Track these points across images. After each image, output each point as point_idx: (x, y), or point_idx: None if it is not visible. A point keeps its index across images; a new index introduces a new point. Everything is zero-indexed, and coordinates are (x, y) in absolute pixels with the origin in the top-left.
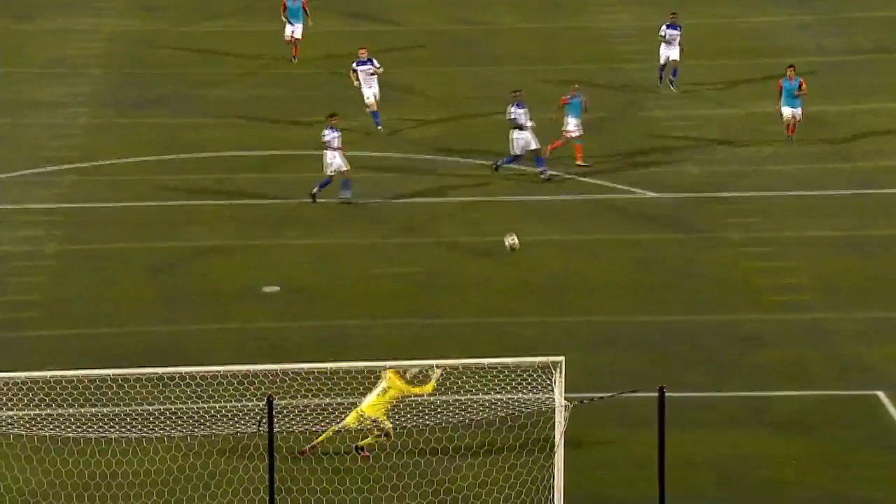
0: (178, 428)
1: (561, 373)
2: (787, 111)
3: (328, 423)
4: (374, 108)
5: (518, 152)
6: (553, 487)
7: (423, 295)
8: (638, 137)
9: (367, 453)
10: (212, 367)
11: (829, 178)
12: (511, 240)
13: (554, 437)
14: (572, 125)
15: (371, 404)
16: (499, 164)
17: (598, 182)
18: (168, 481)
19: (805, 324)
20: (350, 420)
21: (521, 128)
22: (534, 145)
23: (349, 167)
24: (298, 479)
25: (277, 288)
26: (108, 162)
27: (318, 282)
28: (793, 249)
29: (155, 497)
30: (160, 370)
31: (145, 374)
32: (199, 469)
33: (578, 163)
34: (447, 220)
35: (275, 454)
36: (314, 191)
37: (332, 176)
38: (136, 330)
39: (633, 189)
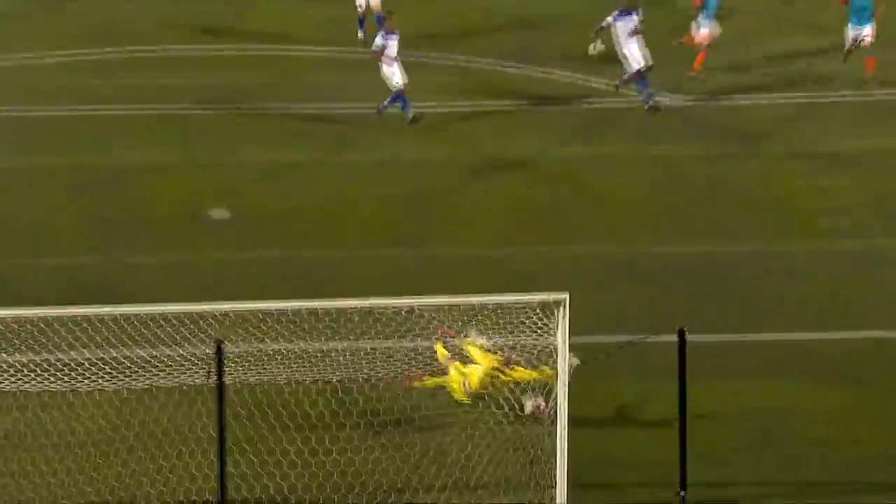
0: (111, 379)
1: (564, 313)
2: (852, 33)
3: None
4: (378, 9)
5: (640, 64)
6: (555, 450)
7: (404, 221)
8: (660, 27)
9: (411, 382)
10: (150, 307)
11: (892, 76)
12: (534, 401)
13: (555, 391)
14: (706, 29)
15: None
16: (622, 81)
17: (611, 84)
18: (99, 442)
19: (859, 253)
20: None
21: (630, 36)
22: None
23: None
24: (254, 439)
25: (227, 213)
26: (19, 57)
27: (277, 205)
28: (847, 163)
29: (83, 460)
30: (88, 310)
31: (70, 314)
32: (137, 427)
33: (694, 73)
34: (429, 131)
35: (226, 409)
36: (382, 105)
37: (402, 88)
38: (59, 263)
39: (654, 93)
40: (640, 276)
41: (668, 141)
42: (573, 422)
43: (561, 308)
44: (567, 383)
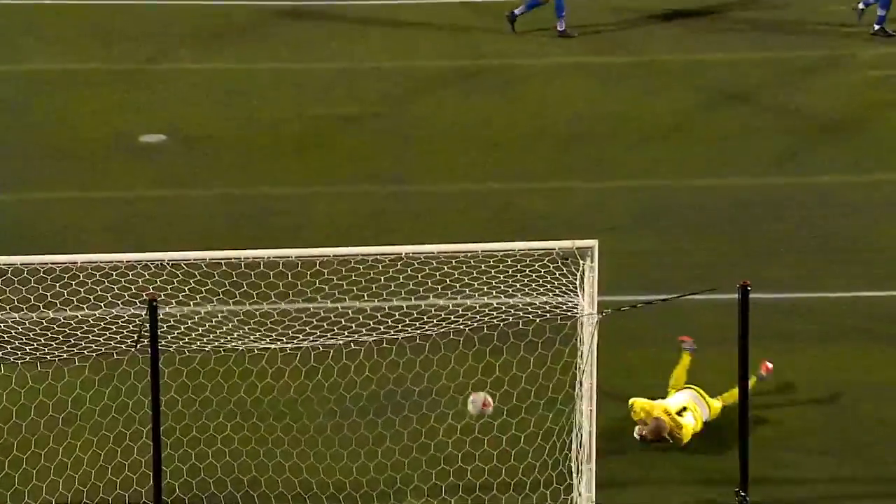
0: (26, 345)
1: (592, 266)
2: None
3: None
4: None
5: None
6: (579, 435)
7: (387, 148)
8: None
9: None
10: (69, 256)
11: None
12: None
13: (578, 363)
14: None
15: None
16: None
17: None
18: (15, 424)
19: None
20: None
21: None
22: None
23: None
24: (196, 422)
25: (163, 137)
26: None
27: (225, 127)
28: None
29: None
30: None
31: None
32: (60, 394)
33: None
34: (413, 29)
35: (160, 379)
36: (517, 11)
37: None
38: None
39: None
40: (687, 217)
41: (720, 48)
42: (605, 389)
43: (588, 258)
44: (592, 338)
